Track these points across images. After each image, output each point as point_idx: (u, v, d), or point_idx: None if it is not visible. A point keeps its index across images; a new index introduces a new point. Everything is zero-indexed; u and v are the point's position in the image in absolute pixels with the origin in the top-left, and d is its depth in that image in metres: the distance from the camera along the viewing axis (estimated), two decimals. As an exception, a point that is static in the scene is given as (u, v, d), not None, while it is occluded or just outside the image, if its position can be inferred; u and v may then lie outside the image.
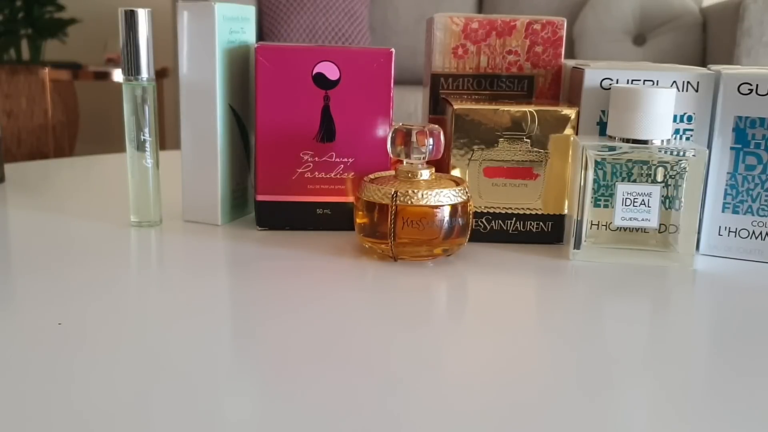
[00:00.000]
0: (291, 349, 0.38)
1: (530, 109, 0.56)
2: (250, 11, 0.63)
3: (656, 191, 0.53)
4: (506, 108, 0.56)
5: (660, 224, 0.54)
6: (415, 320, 0.43)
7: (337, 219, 0.60)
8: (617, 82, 0.57)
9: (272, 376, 0.36)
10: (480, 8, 2.13)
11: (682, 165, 0.53)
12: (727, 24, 1.72)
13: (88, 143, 2.36)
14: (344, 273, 0.51)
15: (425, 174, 0.53)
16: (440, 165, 0.58)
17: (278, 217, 0.60)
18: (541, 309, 0.48)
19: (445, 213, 0.51)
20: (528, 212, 0.58)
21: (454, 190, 0.52)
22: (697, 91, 0.56)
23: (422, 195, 0.51)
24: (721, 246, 0.57)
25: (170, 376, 0.35)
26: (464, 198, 0.53)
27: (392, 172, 0.56)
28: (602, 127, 0.57)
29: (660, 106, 0.52)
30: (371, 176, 0.56)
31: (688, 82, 0.56)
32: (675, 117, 0.56)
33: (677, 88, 0.56)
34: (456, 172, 0.57)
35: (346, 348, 0.39)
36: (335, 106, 0.59)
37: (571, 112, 0.56)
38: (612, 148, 0.53)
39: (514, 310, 0.46)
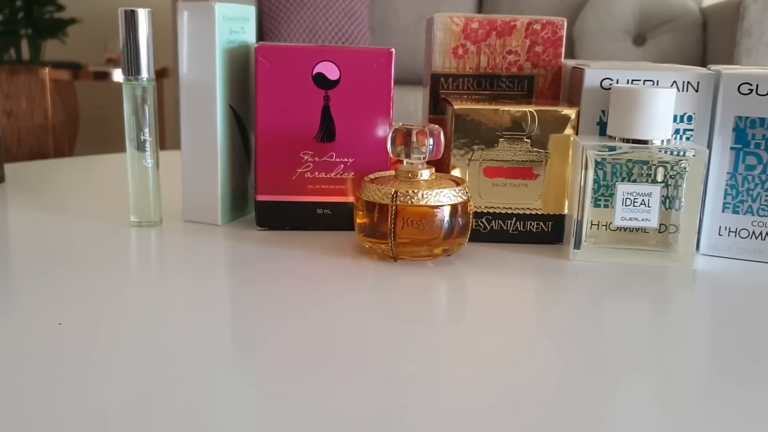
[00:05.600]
0: (291, 350, 0.38)
1: (530, 109, 0.56)
2: (250, 11, 0.63)
3: (656, 191, 0.53)
4: (506, 108, 0.56)
5: (660, 224, 0.54)
6: (416, 320, 0.43)
7: (337, 219, 0.60)
8: (617, 82, 0.57)
9: (272, 376, 0.36)
10: (480, 8, 2.13)
11: (682, 165, 0.53)
12: (727, 24, 1.72)
13: (88, 143, 2.36)
14: (344, 273, 0.51)
15: (425, 174, 0.53)
16: (440, 165, 0.58)
17: (278, 217, 0.60)
18: (541, 309, 0.48)
19: (445, 213, 0.51)
20: (528, 212, 0.58)
21: (454, 190, 0.52)
22: (697, 91, 0.56)
23: (422, 195, 0.51)
24: (721, 246, 0.57)
25: (170, 377, 0.35)
26: (464, 198, 0.53)
27: (392, 172, 0.56)
28: (602, 127, 0.57)
29: (660, 106, 0.52)
30: (371, 176, 0.56)
31: (688, 82, 0.56)
32: (675, 117, 0.56)
33: (677, 88, 0.56)
34: (456, 172, 0.57)
35: (346, 348, 0.39)
36: (335, 106, 0.59)
37: (571, 112, 0.56)
38: (612, 148, 0.53)
39: (514, 310, 0.46)
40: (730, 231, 0.56)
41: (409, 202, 0.51)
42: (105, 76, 2.09)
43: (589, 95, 0.57)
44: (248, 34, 0.63)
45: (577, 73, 0.59)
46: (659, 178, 0.53)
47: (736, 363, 0.39)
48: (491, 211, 0.58)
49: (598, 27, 1.94)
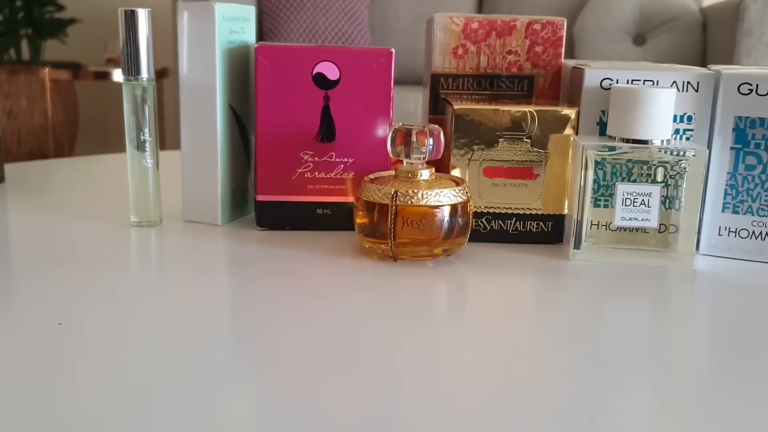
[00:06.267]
0: (291, 350, 0.38)
1: (530, 109, 0.56)
2: (250, 11, 0.63)
3: (656, 191, 0.53)
4: (506, 108, 0.56)
5: (660, 224, 0.54)
6: (415, 320, 0.43)
7: (337, 219, 0.60)
8: (617, 82, 0.57)
9: (273, 376, 0.36)
10: (480, 8, 2.13)
11: (682, 165, 0.53)
12: (727, 24, 1.72)
13: (88, 143, 2.36)
14: (344, 273, 0.51)
15: (425, 174, 0.53)
16: (440, 165, 0.58)
17: (278, 217, 0.60)
18: (541, 309, 0.48)
19: (445, 213, 0.51)
20: (528, 212, 0.58)
21: (454, 190, 0.52)
22: (697, 91, 0.56)
23: (422, 195, 0.51)
24: (721, 246, 0.57)
25: (170, 377, 0.35)
26: (464, 198, 0.53)
27: (392, 172, 0.56)
28: (602, 127, 0.57)
29: (660, 106, 0.52)
30: (371, 176, 0.56)
31: (688, 82, 0.56)
32: (675, 117, 0.56)
33: (677, 88, 0.56)
34: (456, 172, 0.57)
35: (346, 348, 0.39)
36: (335, 106, 0.59)
37: (571, 112, 0.56)
38: (612, 148, 0.53)
39: (514, 310, 0.46)
40: (730, 231, 0.56)
41: (409, 202, 0.51)
42: (105, 76, 2.09)
43: (589, 95, 0.57)
44: (248, 34, 0.63)
45: (577, 73, 0.59)
46: (659, 178, 0.53)
47: (736, 363, 0.39)
48: (491, 211, 0.58)
49: (598, 27, 1.94)
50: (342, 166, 0.60)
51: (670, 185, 0.54)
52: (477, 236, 0.58)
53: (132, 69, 0.58)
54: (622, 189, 0.53)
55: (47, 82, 1.45)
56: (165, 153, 0.78)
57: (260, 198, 0.60)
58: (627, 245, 0.55)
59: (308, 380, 0.35)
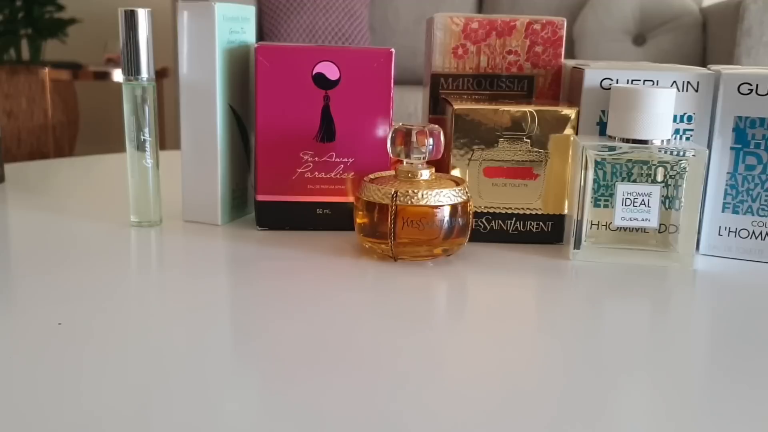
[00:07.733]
0: (291, 349, 0.38)
1: (530, 109, 0.56)
2: (250, 11, 0.63)
3: (656, 191, 0.53)
4: (506, 108, 0.56)
5: (660, 224, 0.54)
6: (415, 320, 0.43)
7: (337, 219, 0.60)
8: (617, 82, 0.57)
9: (273, 375, 0.36)
10: (480, 8, 2.13)
11: (682, 165, 0.53)
12: (727, 24, 1.72)
13: (88, 143, 2.36)
14: (344, 273, 0.51)
15: (425, 174, 0.53)
16: (440, 165, 0.58)
17: (278, 217, 0.60)
18: (541, 309, 0.48)
19: (445, 213, 0.51)
20: (528, 212, 0.58)
21: (454, 190, 0.52)
22: (697, 91, 0.56)
23: (422, 195, 0.51)
24: (721, 246, 0.57)
25: (170, 377, 0.35)
26: (464, 198, 0.53)
27: (392, 172, 0.56)
28: (602, 127, 0.57)
29: (660, 106, 0.52)
30: (371, 176, 0.56)
31: (688, 82, 0.56)
32: (675, 117, 0.56)
33: (677, 88, 0.56)
34: (456, 172, 0.57)
35: (346, 348, 0.39)
36: (335, 106, 0.59)
37: (571, 112, 0.56)
38: (612, 148, 0.53)
39: (514, 310, 0.46)
40: (730, 231, 0.56)
41: (409, 202, 0.51)
42: (105, 76, 2.09)
43: (589, 95, 0.57)
44: (248, 34, 0.63)
45: (577, 73, 0.59)
46: (659, 178, 0.53)
47: (736, 363, 0.39)
48: (491, 211, 0.58)
49: (598, 27, 1.94)
50: (342, 166, 0.60)
51: (670, 185, 0.54)
52: (477, 236, 0.58)
53: (132, 69, 0.58)
54: (622, 189, 0.53)
55: (47, 82, 1.45)
56: (165, 153, 0.78)
57: (260, 198, 0.60)
58: (627, 245, 0.55)
59: (308, 380, 0.35)
